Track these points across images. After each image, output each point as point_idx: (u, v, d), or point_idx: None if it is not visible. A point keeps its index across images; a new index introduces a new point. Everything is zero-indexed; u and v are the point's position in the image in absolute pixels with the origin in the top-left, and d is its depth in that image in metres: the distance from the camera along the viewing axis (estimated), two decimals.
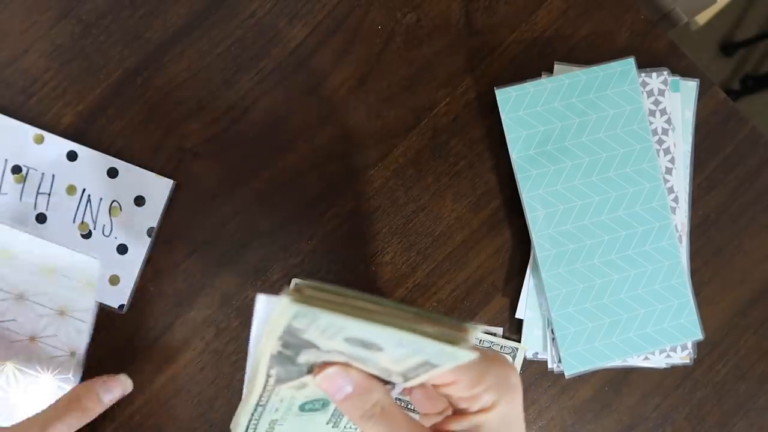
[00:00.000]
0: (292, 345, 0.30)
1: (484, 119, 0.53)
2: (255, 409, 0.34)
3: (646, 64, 0.53)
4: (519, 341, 0.51)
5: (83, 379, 0.50)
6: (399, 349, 0.29)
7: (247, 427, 0.35)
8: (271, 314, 0.27)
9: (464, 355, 0.29)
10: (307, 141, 0.53)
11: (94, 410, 0.44)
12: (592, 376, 0.52)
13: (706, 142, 0.54)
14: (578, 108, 0.51)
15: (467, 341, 0.28)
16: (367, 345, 0.29)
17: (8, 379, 0.47)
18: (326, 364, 0.30)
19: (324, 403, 0.36)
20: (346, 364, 0.31)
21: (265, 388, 0.33)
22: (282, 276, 0.52)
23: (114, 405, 0.46)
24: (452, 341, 0.28)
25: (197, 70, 0.53)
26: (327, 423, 0.37)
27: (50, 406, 0.43)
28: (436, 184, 0.53)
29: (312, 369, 0.32)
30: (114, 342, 0.51)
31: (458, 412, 0.33)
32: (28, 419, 0.42)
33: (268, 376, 0.32)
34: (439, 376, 0.31)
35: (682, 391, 0.52)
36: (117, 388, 0.46)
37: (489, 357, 0.32)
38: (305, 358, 0.31)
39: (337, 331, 0.28)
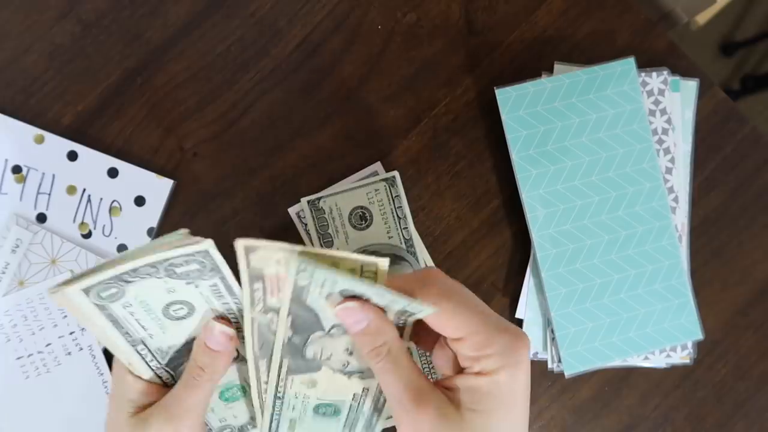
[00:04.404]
0: (298, 324, 0.32)
1: (484, 119, 0.53)
2: (274, 402, 0.35)
3: (646, 64, 0.53)
4: None
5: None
6: (381, 300, 0.31)
7: (270, 423, 0.36)
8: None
9: (424, 308, 0.31)
10: (307, 141, 0.53)
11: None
12: (592, 376, 0.52)
13: (706, 142, 0.54)
14: (578, 108, 0.51)
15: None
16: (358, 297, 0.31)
17: None
18: (346, 299, 0.32)
19: (336, 410, 0.36)
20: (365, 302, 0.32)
21: (279, 376, 0.34)
22: None
23: None
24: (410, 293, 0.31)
25: (197, 70, 0.53)
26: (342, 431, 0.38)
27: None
28: (436, 184, 0.53)
29: (319, 366, 0.34)
30: None
31: (460, 371, 0.33)
32: None
33: (281, 362, 0.33)
34: (448, 328, 0.32)
35: (682, 391, 0.52)
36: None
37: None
38: (312, 350, 0.33)
39: (332, 285, 0.30)
